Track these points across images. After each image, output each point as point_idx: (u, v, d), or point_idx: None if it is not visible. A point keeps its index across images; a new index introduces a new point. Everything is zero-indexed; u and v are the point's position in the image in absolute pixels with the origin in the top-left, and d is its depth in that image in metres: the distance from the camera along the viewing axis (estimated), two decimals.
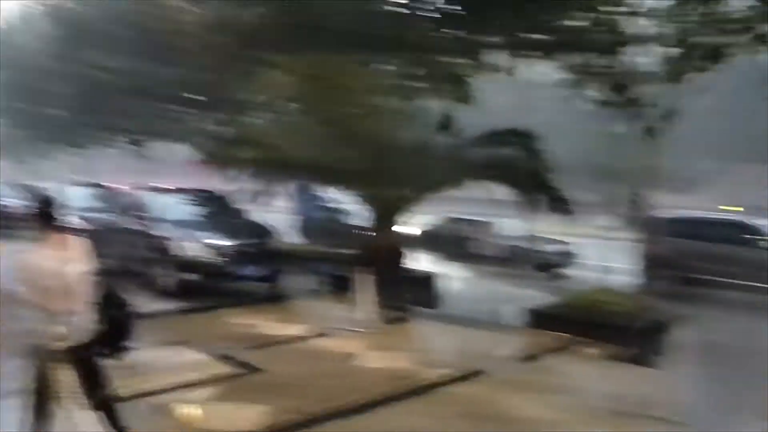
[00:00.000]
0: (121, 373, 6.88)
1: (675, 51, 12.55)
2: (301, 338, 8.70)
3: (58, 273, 4.46)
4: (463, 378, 7.09)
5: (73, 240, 4.69)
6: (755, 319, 12.31)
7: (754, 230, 14.29)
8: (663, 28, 12.71)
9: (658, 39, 12.81)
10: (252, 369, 7.27)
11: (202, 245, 11.03)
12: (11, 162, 40.77)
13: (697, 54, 12.35)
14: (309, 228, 18.45)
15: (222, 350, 7.87)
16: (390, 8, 15.12)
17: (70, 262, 4.55)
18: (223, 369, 7.29)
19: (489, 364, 7.53)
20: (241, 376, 7.11)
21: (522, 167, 11.92)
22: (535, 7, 12.89)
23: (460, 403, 6.44)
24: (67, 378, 4.56)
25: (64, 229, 4.68)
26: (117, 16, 21.03)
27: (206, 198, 14.31)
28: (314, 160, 11.35)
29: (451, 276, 12.98)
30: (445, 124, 12.74)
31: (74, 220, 15.86)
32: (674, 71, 12.67)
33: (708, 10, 11.80)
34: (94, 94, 23.10)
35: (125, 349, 4.82)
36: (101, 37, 22.14)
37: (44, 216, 4.58)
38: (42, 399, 4.62)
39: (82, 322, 4.59)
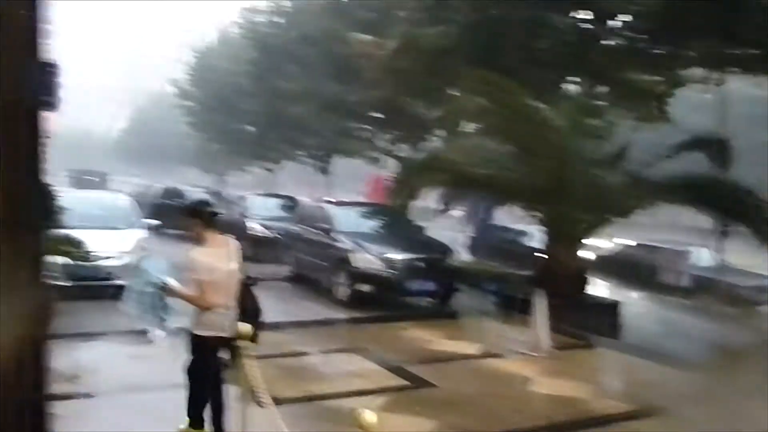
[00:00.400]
0: (291, 375, 7.25)
1: None
2: (472, 357, 8.57)
3: (222, 270, 4.73)
4: (640, 414, 6.59)
5: (230, 240, 4.96)
6: None
7: None
8: None
9: None
10: (422, 383, 7.26)
11: (378, 258, 11.26)
12: (203, 172, 44.69)
13: None
14: (485, 247, 18.26)
15: (393, 361, 7.94)
16: (578, 25, 14.77)
17: (230, 261, 4.82)
18: (393, 380, 7.35)
19: (668, 402, 6.93)
20: (410, 388, 7.12)
21: (714, 185, 11.03)
22: (738, 19, 11.94)
23: None
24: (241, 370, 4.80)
25: (222, 230, 4.99)
26: (307, 39, 22.25)
27: (385, 212, 14.65)
28: (497, 178, 11.28)
29: (635, 305, 12.21)
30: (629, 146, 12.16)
31: (258, 227, 17.12)
32: None
33: None
34: (282, 112, 24.66)
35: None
36: (291, 58, 23.62)
37: (207, 217, 4.90)
38: (209, 390, 4.91)
39: (234, 315, 4.84)
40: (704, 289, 14.16)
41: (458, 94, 17.21)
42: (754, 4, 11.70)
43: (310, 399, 6.53)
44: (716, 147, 11.74)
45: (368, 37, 17.73)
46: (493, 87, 11.15)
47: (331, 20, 20.61)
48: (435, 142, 21.05)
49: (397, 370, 7.64)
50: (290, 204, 19.21)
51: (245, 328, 4.87)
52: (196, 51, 36.97)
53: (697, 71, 15.01)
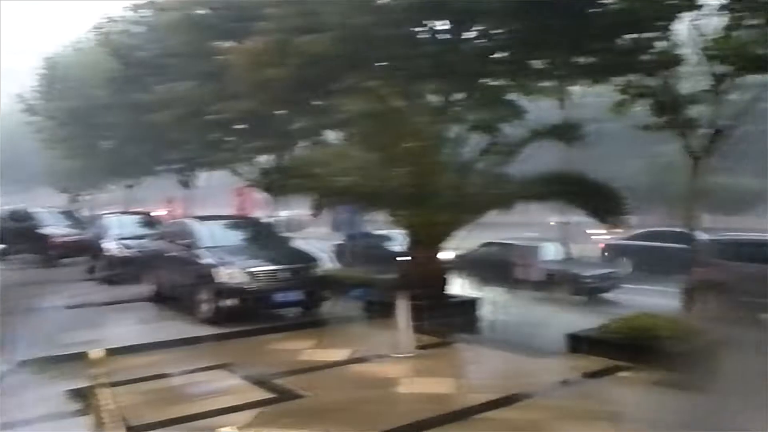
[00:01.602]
0: (156, 399, 7.04)
1: (726, 68, 12.36)
2: (340, 363, 8.65)
3: None
4: (504, 403, 6.92)
5: None
6: None
7: None
8: (714, 45, 12.53)
9: (709, 57, 12.62)
10: (290, 394, 7.25)
11: (242, 271, 11.13)
12: (58, 191, 41.93)
13: (749, 70, 12.13)
14: (350, 253, 18.47)
15: (260, 375, 7.88)
16: (439, 35, 15.39)
17: None
18: (261, 394, 7.29)
19: (530, 389, 7.36)
20: (278, 401, 7.08)
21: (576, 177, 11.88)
22: (585, 32, 12.91)
23: (501, 427, 6.30)
24: None
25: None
26: (170, 48, 21.52)
27: (249, 225, 14.51)
28: (359, 185, 11.46)
29: (493, 301, 12.81)
30: (492, 146, 12.79)
31: (114, 246, 16.44)
32: (724, 89, 12.48)
33: (763, 27, 11.61)
34: (143, 125, 23.65)
35: None
36: (153, 69, 22.75)
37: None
38: None
39: None
40: (553, 281, 15.10)
41: (324, 103, 17.43)
42: (596, 17, 12.73)
43: (176, 422, 6.35)
44: (569, 132, 12.61)
45: (233, 44, 17.51)
46: (358, 95, 11.41)
47: (195, 30, 20.08)
48: (301, 151, 21.04)
49: (265, 384, 7.59)
50: (150, 221, 18.58)
51: (96, 353, 4.68)
52: (46, 62, 34.27)
53: (548, 80, 16.09)
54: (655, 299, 13.19)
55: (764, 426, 5.73)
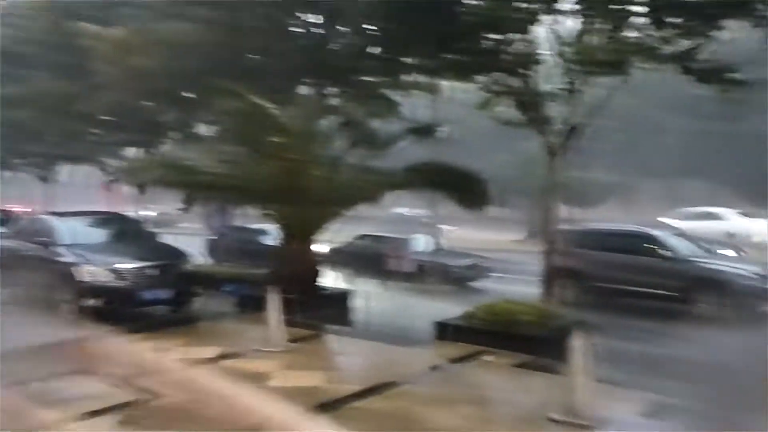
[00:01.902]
0: (11, 409, 6.66)
1: (581, 69, 13.24)
2: (210, 361, 8.51)
3: None
4: (374, 392, 7.10)
5: None
6: (657, 324, 12.95)
7: (656, 241, 14.98)
8: (569, 47, 13.35)
9: (566, 58, 13.44)
10: (155, 395, 7.05)
11: (106, 269, 10.70)
12: None
13: (601, 72, 13.06)
14: (222, 249, 18.19)
15: (125, 377, 7.62)
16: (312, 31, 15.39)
17: None
18: (126, 396, 7.05)
19: (401, 378, 7.59)
20: (143, 402, 6.88)
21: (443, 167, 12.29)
22: (452, 31, 13.33)
23: (371, 416, 6.45)
24: None
25: None
26: (30, 35, 20.19)
27: (114, 221, 13.93)
28: (229, 180, 11.30)
29: (364, 292, 13.04)
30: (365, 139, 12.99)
31: None
32: (578, 89, 13.33)
33: (612, 33, 12.51)
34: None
35: None
36: (11, 57, 21.21)
37: None
38: None
39: None
40: (427, 271, 15.58)
41: (195, 96, 16.99)
42: (461, 17, 13.17)
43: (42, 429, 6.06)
44: (428, 131, 13.05)
45: (97, 28, 16.67)
46: (228, 91, 11.23)
47: (56, 16, 18.90)
48: (170, 145, 20.42)
49: (130, 385, 7.35)
50: (4, 218, 17.41)
51: None
52: None
53: (419, 76, 16.49)
54: (521, 287, 13.87)
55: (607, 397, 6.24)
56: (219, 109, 12.56)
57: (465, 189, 12.16)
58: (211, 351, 8.89)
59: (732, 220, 28.16)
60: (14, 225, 15.35)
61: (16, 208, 22.14)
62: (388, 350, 9.24)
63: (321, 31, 15.63)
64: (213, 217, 19.28)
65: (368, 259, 15.73)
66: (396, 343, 9.46)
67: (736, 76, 12.22)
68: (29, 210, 26.22)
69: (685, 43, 12.47)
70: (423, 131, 13.17)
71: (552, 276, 13.49)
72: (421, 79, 16.84)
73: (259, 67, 14.62)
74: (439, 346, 9.10)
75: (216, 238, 19.40)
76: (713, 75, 12.27)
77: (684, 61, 12.48)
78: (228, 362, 8.42)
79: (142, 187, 16.94)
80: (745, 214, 28.72)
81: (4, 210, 19.27)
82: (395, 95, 17.11)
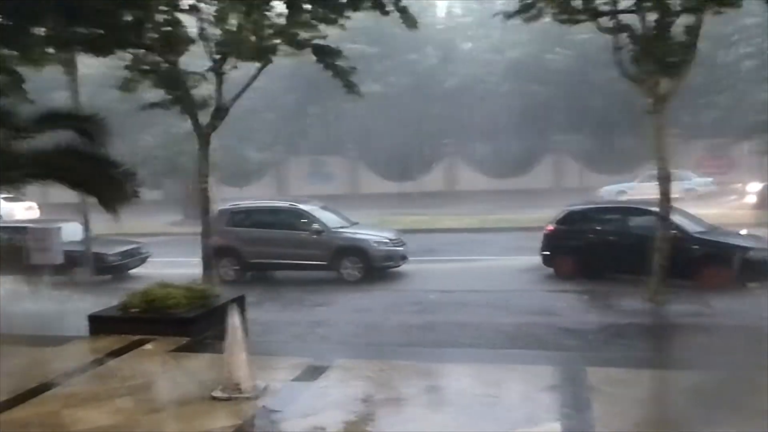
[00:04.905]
0: None
1: (223, 51, 13.46)
2: None
3: None
4: (21, 400, 6.55)
5: None
6: (304, 292, 14.04)
7: (301, 214, 16.07)
8: (211, 29, 13.46)
9: (208, 39, 13.52)
10: None
11: None
12: None
13: (243, 54, 13.44)
14: None
15: None
16: None
17: None
18: None
19: (52, 380, 7.11)
20: None
21: (86, 158, 11.13)
22: (88, 3, 12.40)
23: (22, 425, 5.97)
24: None
25: None
26: None
27: None
28: None
29: (8, 292, 11.76)
30: None
31: None
32: (222, 70, 13.56)
33: (253, 15, 12.91)
34: None
35: None
36: None
37: None
38: None
39: None
40: (76, 262, 14.56)
41: None
42: None
43: None
44: (84, 122, 11.68)
45: None
46: None
47: None
48: None
49: None
50: None
51: None
52: None
53: (49, 50, 14.95)
54: (181, 270, 13.73)
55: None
56: None
57: (106, 188, 10.91)
58: None
59: None
60: None
61: None
62: (37, 352, 8.49)
63: None
64: None
65: (8, 252, 14.04)
66: (46, 343, 8.76)
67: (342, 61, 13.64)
68: None
69: (320, 29, 13.52)
70: (69, 119, 11.62)
71: (209, 255, 13.68)
72: (52, 50, 15.36)
73: None
74: (94, 340, 8.66)
75: None
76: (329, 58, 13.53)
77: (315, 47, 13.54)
78: None
79: None
80: None
81: None
82: (22, 70, 15.27)
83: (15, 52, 14.80)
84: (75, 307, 10.97)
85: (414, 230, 21.04)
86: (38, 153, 10.82)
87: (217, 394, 6.39)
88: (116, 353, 8.02)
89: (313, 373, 7.22)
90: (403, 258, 15.93)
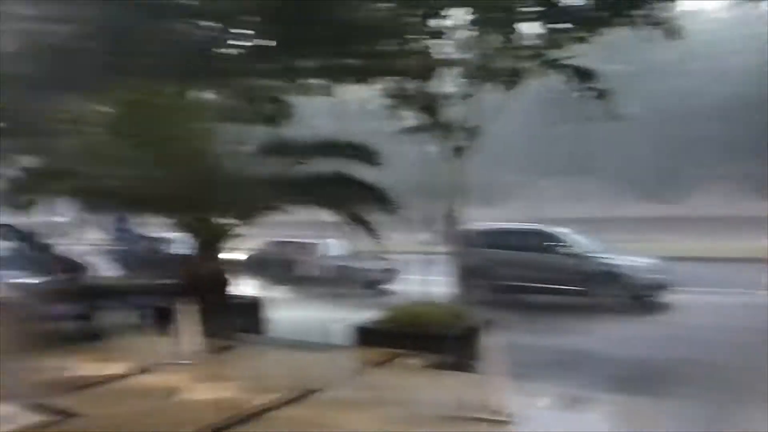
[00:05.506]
0: None
1: (477, 75, 13.70)
2: (122, 377, 8.26)
3: None
4: (292, 401, 7.10)
5: None
6: (557, 318, 13.58)
7: (553, 238, 15.71)
8: (466, 54, 13.78)
9: (462, 65, 13.85)
10: (66, 414, 6.81)
11: (5, 285, 10.17)
12: None
13: (496, 78, 13.56)
14: (128, 260, 17.56)
15: (32, 397, 7.30)
16: (201, 33, 14.96)
17: None
18: (34, 418, 6.76)
19: (318, 385, 7.62)
20: (54, 423, 6.63)
21: (353, 183, 12.05)
22: (349, 34, 13.38)
23: (291, 425, 6.45)
24: None
25: None
26: None
27: (8, 233, 13.22)
28: (130, 188, 10.86)
29: (278, 300, 12.95)
30: (271, 147, 12.72)
31: None
32: (476, 94, 13.79)
33: (504, 39, 13.01)
34: None
35: None
36: None
37: None
38: None
39: None
40: (340, 276, 15.63)
41: (84, 99, 16.17)
42: (360, 21, 13.26)
43: None
44: (357, 150, 12.65)
45: None
46: (122, 93, 10.75)
47: None
48: (59, 149, 19.38)
49: (38, 406, 7.04)
50: None
51: None
52: None
53: (315, 81, 16.37)
54: (431, 288, 14.10)
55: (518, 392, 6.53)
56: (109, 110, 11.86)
57: (368, 210, 11.70)
58: (119, 366, 8.61)
59: None
60: None
61: None
62: (304, 358, 9.24)
63: (212, 33, 15.24)
64: (114, 226, 18.52)
65: (282, 265, 15.60)
66: (311, 350, 9.49)
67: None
68: None
69: (572, 48, 13.15)
70: (357, 151, 12.55)
71: (459, 276, 13.91)
72: (317, 81, 16.71)
73: (147, 69, 14.06)
74: (354, 351, 9.20)
75: (121, 248, 18.69)
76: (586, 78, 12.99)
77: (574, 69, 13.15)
78: (138, 377, 8.22)
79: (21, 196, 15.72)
80: None
81: None
82: (290, 99, 16.81)
83: (280, 82, 16.39)
84: (335, 317, 11.73)
85: (681, 257, 19.34)
86: (310, 179, 11.92)
87: (472, 413, 6.41)
88: (377, 365, 8.43)
89: (570, 402, 6.96)
90: (664, 287, 14.81)
